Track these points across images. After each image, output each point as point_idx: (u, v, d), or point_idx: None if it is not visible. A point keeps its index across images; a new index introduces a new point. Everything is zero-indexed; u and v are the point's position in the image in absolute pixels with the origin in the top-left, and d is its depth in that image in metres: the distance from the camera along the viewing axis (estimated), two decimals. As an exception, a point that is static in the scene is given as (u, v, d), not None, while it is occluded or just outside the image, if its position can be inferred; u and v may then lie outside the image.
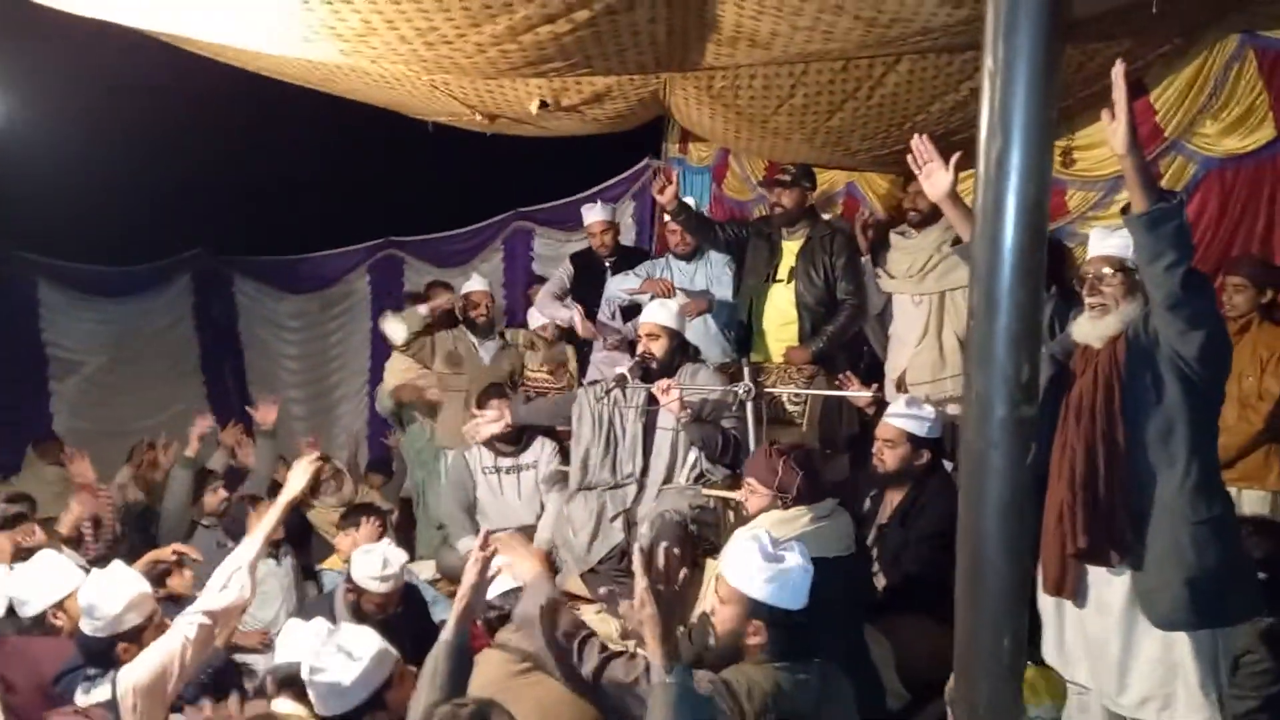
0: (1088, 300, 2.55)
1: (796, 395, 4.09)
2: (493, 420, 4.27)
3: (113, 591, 2.60)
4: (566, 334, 5.33)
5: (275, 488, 4.20)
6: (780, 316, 4.32)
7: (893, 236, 4.45)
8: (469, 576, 2.28)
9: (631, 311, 4.81)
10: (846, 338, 4.35)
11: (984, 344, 0.84)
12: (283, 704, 2.35)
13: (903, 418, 3.32)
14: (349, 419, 7.71)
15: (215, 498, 4.45)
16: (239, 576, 2.68)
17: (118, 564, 2.78)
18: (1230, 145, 3.95)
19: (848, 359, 4.43)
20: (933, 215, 4.14)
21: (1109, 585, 2.48)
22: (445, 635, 2.21)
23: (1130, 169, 2.28)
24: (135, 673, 2.49)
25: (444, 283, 5.80)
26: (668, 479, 3.92)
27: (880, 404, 3.74)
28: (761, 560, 2.10)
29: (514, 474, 4.49)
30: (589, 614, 3.90)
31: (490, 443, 4.44)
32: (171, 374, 7.16)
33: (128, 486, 4.53)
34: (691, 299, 4.47)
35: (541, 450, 4.51)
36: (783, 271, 4.33)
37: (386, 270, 7.61)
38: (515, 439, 4.46)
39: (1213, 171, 4.03)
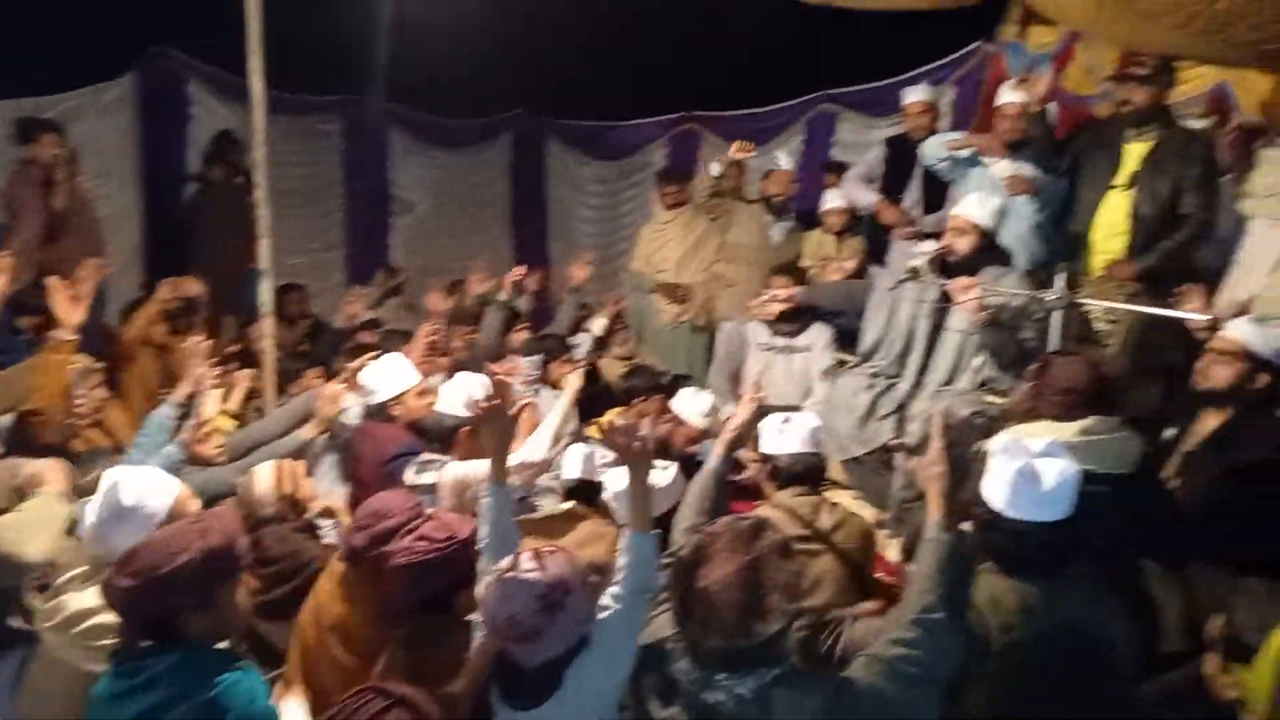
0: None
1: (1113, 311, 3.74)
2: (783, 299, 4.31)
3: (461, 390, 3.16)
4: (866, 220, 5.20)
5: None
6: (1110, 227, 3.91)
7: (1260, 151, 3.85)
8: (739, 415, 2.58)
9: (935, 193, 4.55)
10: (1185, 258, 3.88)
11: None
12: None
13: (1247, 330, 2.94)
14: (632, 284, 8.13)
15: (519, 336, 4.94)
16: (552, 443, 3.03)
17: (465, 373, 3.29)
18: None
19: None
20: (1322, 130, 3.53)
21: None
22: (710, 463, 2.48)
23: None
24: (454, 471, 2.96)
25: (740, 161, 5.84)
26: (949, 381, 3.81)
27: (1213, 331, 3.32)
28: (1014, 470, 1.97)
29: (787, 354, 4.55)
30: (846, 499, 3.96)
31: (770, 320, 4.52)
32: (487, 222, 7.88)
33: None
34: (1016, 176, 4.03)
35: (819, 336, 4.53)
36: (1122, 177, 3.88)
37: (684, 144, 7.77)
38: (795, 319, 4.50)
39: None
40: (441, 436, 3.17)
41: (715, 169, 5.19)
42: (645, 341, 5.54)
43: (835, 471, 4.09)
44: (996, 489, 2.00)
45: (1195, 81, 4.61)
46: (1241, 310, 3.66)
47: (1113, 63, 4.82)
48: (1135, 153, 3.87)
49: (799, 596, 1.85)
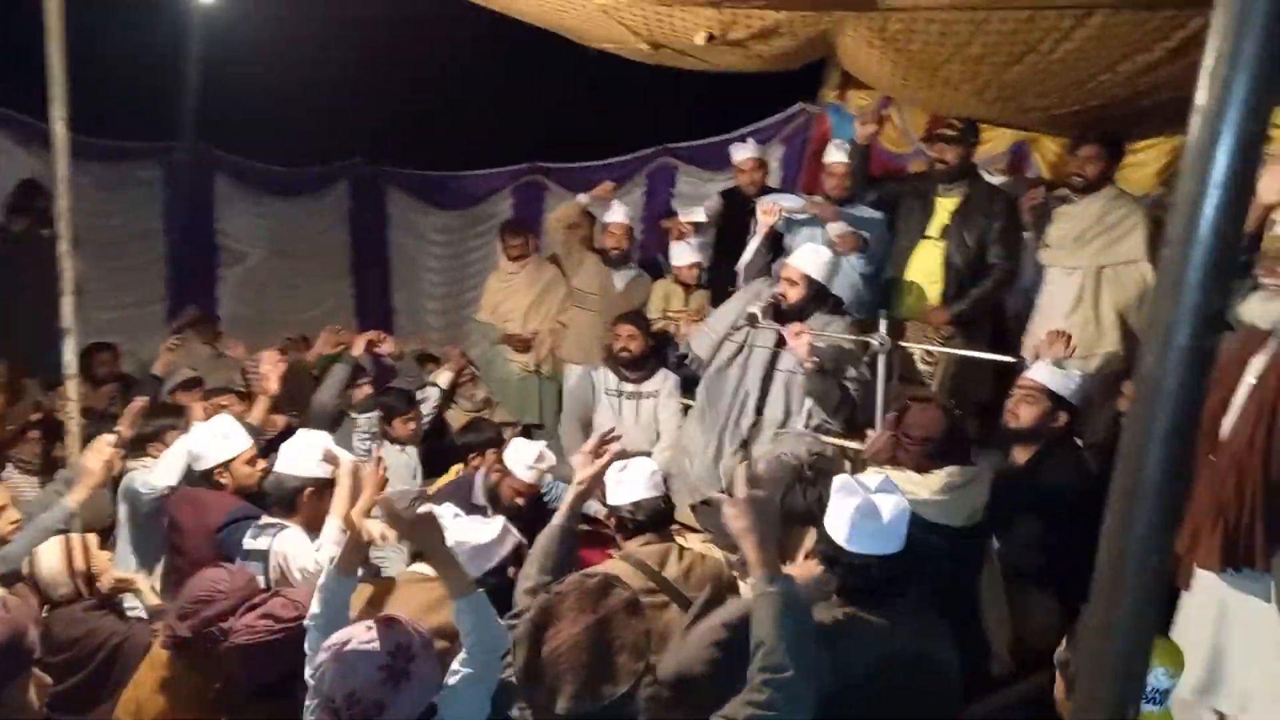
0: (1264, 280, 2.41)
1: (929, 355, 4.01)
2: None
3: (300, 449, 2.94)
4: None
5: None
6: (926, 275, 4.22)
7: (1054, 205, 4.28)
8: (584, 471, 2.46)
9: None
10: (992, 303, 4.23)
11: (1177, 274, 0.84)
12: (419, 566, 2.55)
13: (1047, 373, 3.20)
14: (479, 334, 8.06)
15: (362, 392, 4.76)
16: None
17: (304, 430, 3.10)
18: None
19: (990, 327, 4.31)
20: (1098, 182, 3.95)
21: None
22: (557, 520, 2.39)
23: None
24: (291, 542, 2.78)
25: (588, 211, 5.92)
26: (784, 423, 3.95)
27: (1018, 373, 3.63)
28: (853, 507, 2.05)
29: (634, 400, 4.60)
30: (696, 544, 4.01)
31: (616, 366, 4.58)
32: (324, 274, 7.60)
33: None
34: (848, 234, 4.30)
35: (664, 381, 4.61)
36: (934, 229, 4.21)
37: (529, 195, 7.79)
38: (640, 365, 4.57)
39: None
40: (282, 499, 2.96)
41: (583, 199, 5.32)
42: (495, 392, 5.48)
43: (686, 517, 4.15)
44: (837, 525, 2.08)
45: (996, 141, 5.08)
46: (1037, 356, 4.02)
47: (923, 124, 5.26)
48: (946, 206, 4.20)
49: (648, 654, 1.84)
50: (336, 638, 1.74)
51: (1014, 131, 5.00)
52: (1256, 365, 2.45)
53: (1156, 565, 0.86)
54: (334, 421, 4.58)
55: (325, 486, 2.88)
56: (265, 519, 2.91)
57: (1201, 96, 0.89)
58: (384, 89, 6.43)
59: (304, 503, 2.92)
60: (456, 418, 5.02)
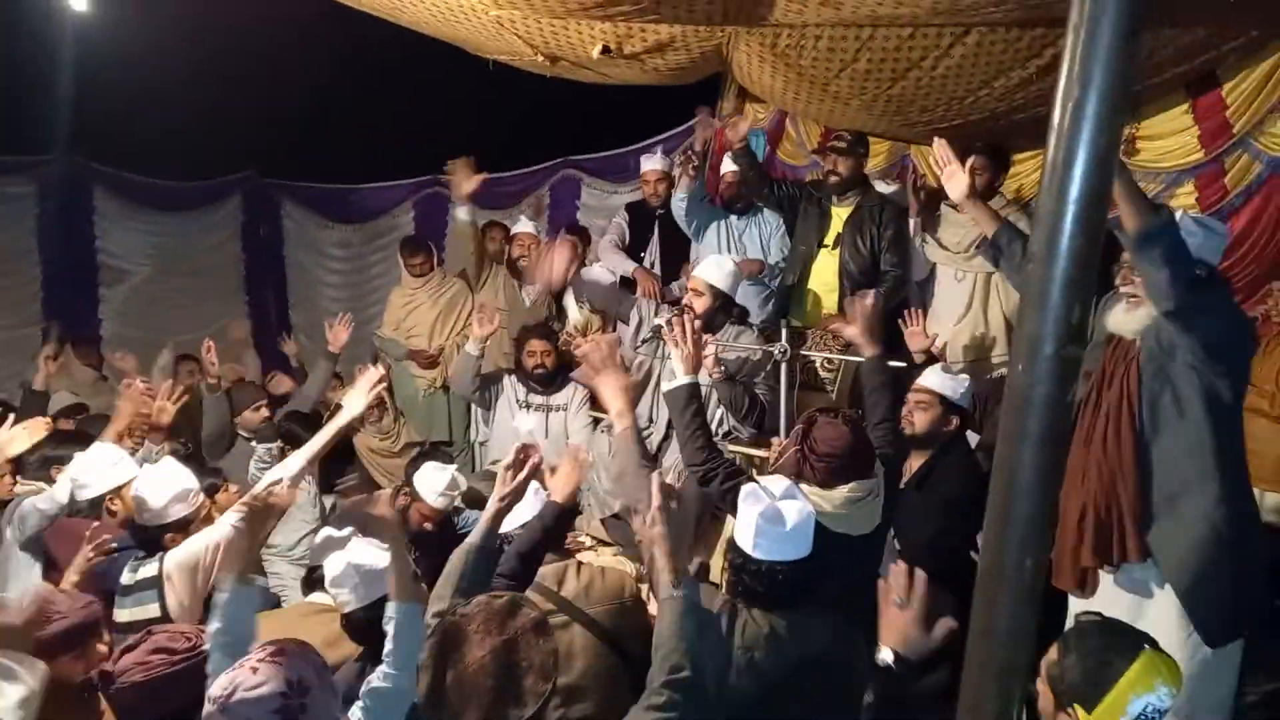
0: (1122, 289, 2.57)
1: (830, 361, 4.11)
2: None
3: (163, 485, 2.74)
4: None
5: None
6: (824, 283, 4.33)
7: (944, 207, 4.44)
8: (503, 487, 2.39)
9: (674, 256, 4.84)
10: (887, 309, 4.35)
11: (1041, 287, 0.88)
12: (318, 596, 2.47)
13: (938, 379, 3.32)
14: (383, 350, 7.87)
15: (257, 415, 4.57)
16: (280, 486, 2.79)
17: (169, 460, 2.91)
18: (1299, 148, 3.89)
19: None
20: (986, 193, 4.10)
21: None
22: (473, 538, 2.31)
23: (1118, 191, 2.30)
24: (176, 556, 2.65)
25: (500, 223, 5.88)
26: (692, 433, 3.98)
27: (914, 373, 3.75)
28: (758, 514, 2.10)
29: (543, 412, 4.57)
30: (607, 556, 4.00)
31: (526, 380, 4.54)
32: (216, 291, 7.32)
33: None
34: (746, 259, 4.47)
35: (574, 394, 4.60)
36: (830, 238, 4.33)
37: (432, 207, 7.67)
38: (550, 379, 4.55)
39: (1277, 173, 3.96)
40: (147, 543, 2.81)
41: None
42: (401, 410, 5.35)
43: (597, 530, 4.15)
44: (744, 532, 2.11)
45: (887, 154, 5.26)
46: (933, 357, 4.17)
47: (817, 136, 5.40)
48: (840, 215, 4.33)
49: (555, 675, 1.81)
50: (221, 686, 1.64)
51: (904, 144, 5.18)
52: (1121, 372, 2.59)
53: (1032, 568, 0.90)
54: (227, 446, 4.42)
55: (189, 524, 2.76)
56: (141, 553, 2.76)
57: (1057, 117, 0.94)
58: (279, 100, 6.23)
59: (170, 543, 2.78)
60: (365, 442, 4.89)
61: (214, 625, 2.04)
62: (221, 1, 4.84)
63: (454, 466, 3.67)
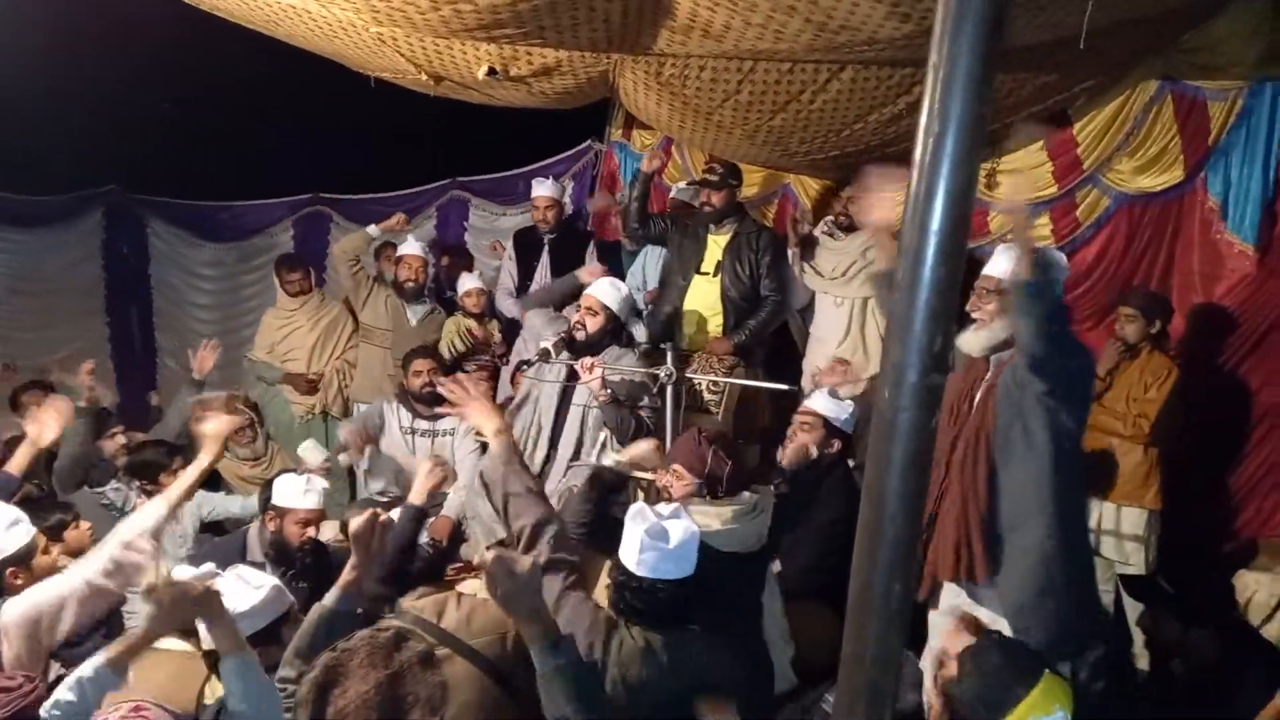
0: (974, 314, 2.71)
1: (715, 384, 4.17)
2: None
3: None
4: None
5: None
6: (705, 308, 4.40)
7: (820, 235, 4.59)
8: (359, 547, 2.26)
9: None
10: (767, 332, 4.46)
11: (905, 317, 0.90)
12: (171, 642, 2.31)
13: (823, 402, 3.40)
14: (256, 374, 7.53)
15: (114, 443, 4.29)
16: (141, 541, 2.57)
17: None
18: (1142, 183, 4.18)
19: (766, 353, 4.55)
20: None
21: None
22: (327, 600, 2.21)
23: (1018, 236, 2.46)
24: (16, 607, 2.42)
25: (391, 243, 5.74)
26: (575, 455, 3.96)
27: (796, 398, 3.85)
28: (643, 531, 2.11)
29: (429, 437, 4.46)
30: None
31: (410, 403, 4.42)
32: (74, 312, 6.86)
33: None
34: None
35: (459, 419, 4.49)
36: (709, 265, 4.41)
37: (312, 226, 7.42)
38: (438, 399, 4.43)
39: (1123, 207, 4.26)
40: None
41: (374, 230, 5.22)
42: (275, 438, 5.12)
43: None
44: (628, 550, 2.11)
45: (768, 183, 5.40)
46: (817, 383, 4.28)
47: (703, 165, 5.51)
48: (718, 243, 4.41)
49: (442, 709, 1.75)
50: None
51: (784, 174, 5.34)
52: (977, 393, 2.73)
53: (900, 593, 0.92)
54: (81, 477, 4.12)
55: (25, 557, 2.55)
56: None
57: (919, 152, 0.97)
58: (145, 114, 5.92)
59: (11, 580, 2.55)
60: (234, 469, 4.64)
61: (64, 695, 1.86)
62: (84, 6, 4.55)
63: (307, 473, 3.50)
